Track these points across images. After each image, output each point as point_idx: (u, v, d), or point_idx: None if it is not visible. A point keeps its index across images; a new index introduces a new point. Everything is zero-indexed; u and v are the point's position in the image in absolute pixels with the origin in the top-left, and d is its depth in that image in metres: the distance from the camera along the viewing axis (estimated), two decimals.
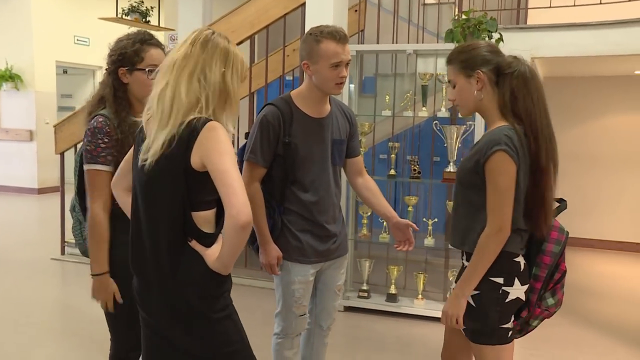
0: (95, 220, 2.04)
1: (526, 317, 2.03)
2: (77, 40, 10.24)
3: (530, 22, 6.48)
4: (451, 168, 4.05)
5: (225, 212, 1.56)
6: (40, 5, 9.40)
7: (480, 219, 1.94)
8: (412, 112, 4.27)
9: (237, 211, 1.53)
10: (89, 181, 2.06)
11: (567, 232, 2.03)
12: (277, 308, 2.52)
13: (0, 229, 6.95)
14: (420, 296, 4.32)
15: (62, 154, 5.66)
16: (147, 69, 2.08)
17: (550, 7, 5.15)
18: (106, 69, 2.13)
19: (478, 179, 1.94)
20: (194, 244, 1.69)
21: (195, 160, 1.62)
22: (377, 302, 4.35)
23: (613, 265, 6.19)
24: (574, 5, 4.88)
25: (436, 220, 4.38)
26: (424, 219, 4.35)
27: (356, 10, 5.85)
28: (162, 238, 1.70)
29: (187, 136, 1.62)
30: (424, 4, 5.76)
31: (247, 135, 2.54)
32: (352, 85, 4.29)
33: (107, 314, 2.18)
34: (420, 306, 4.27)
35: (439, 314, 3.95)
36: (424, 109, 4.25)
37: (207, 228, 1.71)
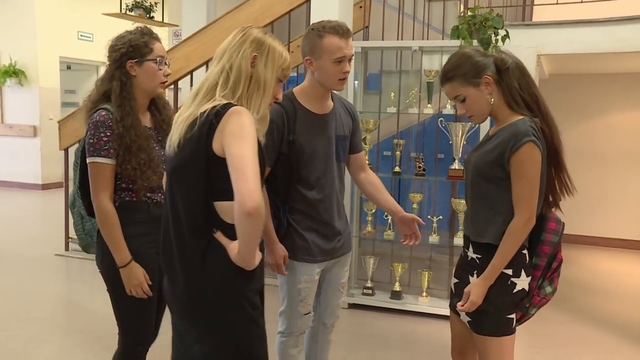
0: (105, 211, 2.06)
1: (526, 305, 2.08)
2: (81, 36, 10.24)
3: (535, 18, 6.46)
4: (456, 165, 4.03)
5: (235, 198, 1.48)
6: (43, 1, 9.39)
7: (500, 211, 1.99)
8: (417, 109, 4.25)
9: (243, 197, 1.45)
10: (92, 174, 2.07)
11: (564, 223, 2.10)
12: (282, 307, 2.51)
13: (4, 225, 6.95)
14: (424, 294, 4.32)
15: (66, 150, 5.65)
16: (157, 59, 2.13)
17: (557, 3, 5.12)
18: (111, 64, 2.13)
19: (501, 171, 1.97)
20: (219, 235, 1.64)
21: (216, 146, 1.59)
22: (381, 299, 4.35)
23: (617, 263, 6.17)
24: (581, 2, 4.85)
25: (441, 217, 4.37)
26: (429, 216, 4.34)
27: (361, 7, 5.84)
28: (185, 227, 1.66)
29: (210, 121, 1.59)
30: (429, 1, 5.73)
31: None
32: (356, 82, 4.27)
33: (117, 308, 2.19)
34: (424, 303, 4.26)
35: (443, 312, 4.01)
36: (429, 105, 4.23)
37: (231, 219, 1.62)
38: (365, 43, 4.77)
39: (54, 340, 3.66)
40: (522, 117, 1.99)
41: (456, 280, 2.19)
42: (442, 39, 5.37)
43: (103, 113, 2.07)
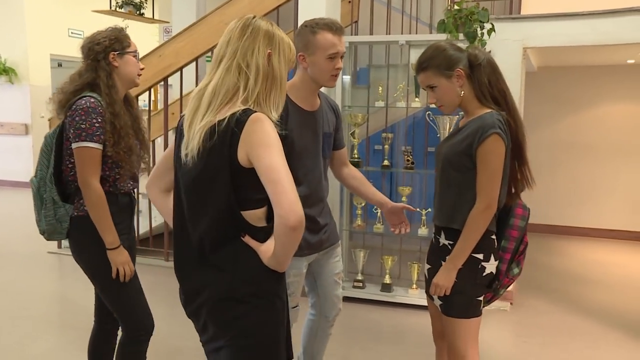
0: (98, 194, 2.14)
1: (496, 286, 2.18)
2: (72, 33, 10.20)
3: (524, 11, 6.49)
4: None
5: (275, 212, 1.47)
6: None
7: (467, 199, 2.09)
8: (405, 102, 4.29)
9: (286, 211, 1.44)
10: (83, 158, 2.12)
11: (529, 209, 2.22)
12: None
13: None
14: (414, 286, 4.36)
15: None
16: (135, 52, 2.28)
17: None
18: (93, 56, 2.21)
19: (469, 161, 2.07)
20: (247, 239, 1.61)
21: (241, 156, 1.54)
22: (372, 292, 4.39)
23: (607, 253, 6.24)
24: None
25: (430, 210, 4.40)
26: (418, 209, 4.38)
27: (349, 2, 5.85)
28: (207, 238, 1.62)
29: (232, 130, 1.53)
30: None
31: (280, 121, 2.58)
32: (346, 77, 4.30)
33: (114, 300, 2.26)
34: (414, 295, 4.31)
35: None
36: (417, 99, 4.26)
37: (259, 223, 1.62)
38: (354, 38, 4.79)
39: (47, 337, 3.69)
40: (490, 110, 2.08)
41: (429, 266, 2.29)
42: (430, 32, 5.41)
43: (92, 100, 2.14)
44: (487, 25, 3.86)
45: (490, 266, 2.13)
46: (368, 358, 3.50)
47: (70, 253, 2.35)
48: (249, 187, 1.56)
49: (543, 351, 3.61)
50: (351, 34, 5.67)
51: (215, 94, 1.61)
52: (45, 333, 3.76)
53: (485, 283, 2.15)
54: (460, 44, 3.56)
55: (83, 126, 2.10)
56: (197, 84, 2.09)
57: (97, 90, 2.18)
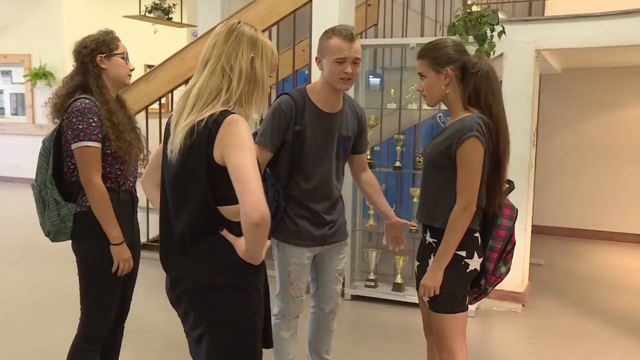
0: (102, 191, 2.23)
1: (484, 285, 2.24)
2: None
3: (548, 13, 6.43)
4: None
5: (240, 209, 1.55)
6: (70, 5, 9.69)
7: (447, 198, 2.15)
8: (416, 105, 4.32)
9: (249, 209, 1.52)
10: (84, 158, 2.21)
11: (517, 209, 2.26)
12: (276, 290, 2.68)
13: (29, 220, 7.21)
14: None
15: None
16: (123, 54, 2.35)
17: None
18: (81, 60, 2.31)
19: (449, 161, 2.14)
20: (225, 233, 1.70)
21: (217, 155, 1.63)
22: (383, 291, 4.45)
23: (630, 257, 6.12)
24: None
25: None
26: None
27: (369, 4, 5.91)
28: (187, 231, 1.73)
29: (209, 130, 1.62)
30: None
31: (261, 120, 2.69)
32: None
33: (88, 293, 2.37)
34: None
35: None
36: None
37: (236, 218, 1.67)
38: (364, 41, 4.83)
39: (67, 328, 3.83)
40: (470, 113, 2.14)
41: (418, 263, 2.36)
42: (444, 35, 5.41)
43: (87, 101, 2.24)
44: (498, 28, 3.87)
45: (474, 263, 2.18)
46: (372, 355, 3.56)
47: None
48: (225, 184, 1.63)
49: (549, 353, 3.60)
50: (374, 37, 5.72)
51: (199, 95, 1.71)
52: (64, 323, 3.91)
53: (469, 280, 2.21)
54: (470, 47, 3.61)
55: (80, 126, 2.19)
56: None
57: (89, 92, 2.28)
